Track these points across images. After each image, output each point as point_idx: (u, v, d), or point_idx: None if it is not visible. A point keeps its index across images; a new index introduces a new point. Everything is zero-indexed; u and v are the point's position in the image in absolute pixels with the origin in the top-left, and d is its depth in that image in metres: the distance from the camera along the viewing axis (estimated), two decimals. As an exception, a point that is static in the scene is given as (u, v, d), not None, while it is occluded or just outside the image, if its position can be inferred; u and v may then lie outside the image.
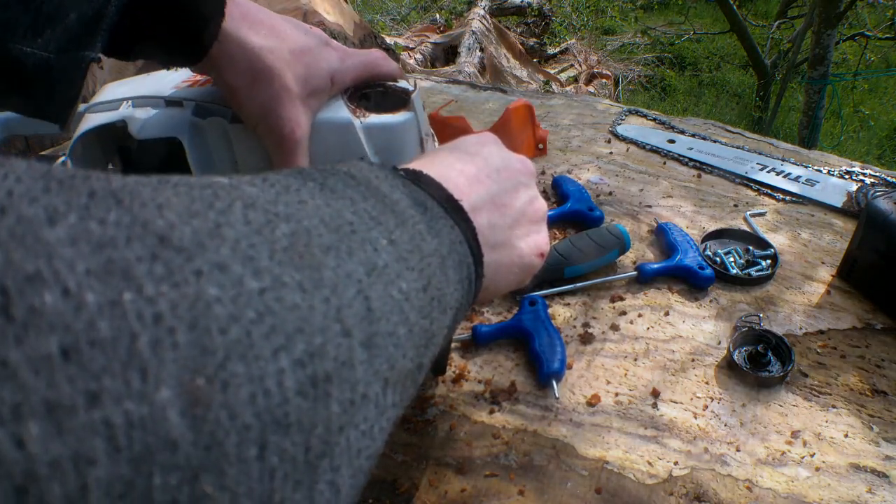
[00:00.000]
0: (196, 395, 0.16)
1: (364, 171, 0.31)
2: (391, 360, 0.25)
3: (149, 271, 0.17)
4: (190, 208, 0.19)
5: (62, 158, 0.53)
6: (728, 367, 0.57)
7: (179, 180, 0.21)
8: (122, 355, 0.15)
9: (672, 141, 0.92)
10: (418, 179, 0.34)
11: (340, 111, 0.49)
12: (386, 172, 0.32)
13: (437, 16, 3.90)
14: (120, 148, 0.61)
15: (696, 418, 0.53)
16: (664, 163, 0.88)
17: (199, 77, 0.53)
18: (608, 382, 0.56)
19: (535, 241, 0.41)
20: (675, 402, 0.54)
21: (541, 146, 0.89)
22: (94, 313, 0.15)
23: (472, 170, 0.38)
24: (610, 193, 0.81)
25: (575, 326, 0.62)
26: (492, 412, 0.53)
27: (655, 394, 0.55)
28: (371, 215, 0.27)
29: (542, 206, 0.42)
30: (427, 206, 0.32)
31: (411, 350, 0.27)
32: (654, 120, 0.99)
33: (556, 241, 0.70)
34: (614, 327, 0.61)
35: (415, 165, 0.36)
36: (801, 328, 0.62)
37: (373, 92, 0.52)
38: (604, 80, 3.58)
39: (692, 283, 0.66)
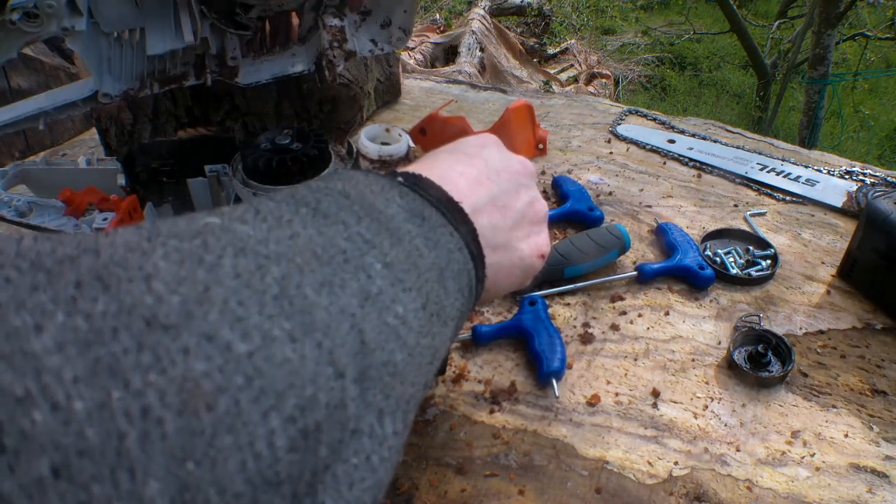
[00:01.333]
0: (185, 481, 0.17)
1: (360, 186, 0.30)
2: (386, 390, 0.25)
3: (136, 363, 0.17)
4: (178, 274, 0.20)
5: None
6: (728, 367, 0.58)
7: (170, 232, 0.21)
8: (111, 459, 0.16)
9: (672, 141, 0.92)
10: (418, 183, 0.34)
11: None
12: (382, 183, 0.32)
13: (437, 16, 3.90)
14: (125, 154, 0.61)
15: (696, 418, 0.53)
16: (664, 163, 0.88)
17: None
18: (608, 382, 0.56)
19: (535, 243, 0.41)
20: (675, 402, 0.54)
21: (541, 146, 0.89)
22: (83, 422, 0.15)
23: (473, 172, 0.38)
24: (610, 193, 0.81)
25: (575, 326, 0.62)
26: (492, 412, 0.53)
27: (655, 394, 0.55)
28: (365, 239, 0.27)
29: (542, 208, 0.42)
30: (425, 216, 0.31)
31: (412, 373, 0.26)
32: (654, 120, 0.99)
33: (556, 241, 0.70)
34: (614, 327, 0.61)
35: (415, 168, 0.36)
36: (801, 328, 0.62)
37: None
38: (604, 80, 3.58)
39: (692, 283, 0.66)
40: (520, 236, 0.39)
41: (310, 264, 0.24)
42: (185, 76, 0.60)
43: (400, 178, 0.33)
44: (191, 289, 0.19)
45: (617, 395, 0.55)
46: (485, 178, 0.38)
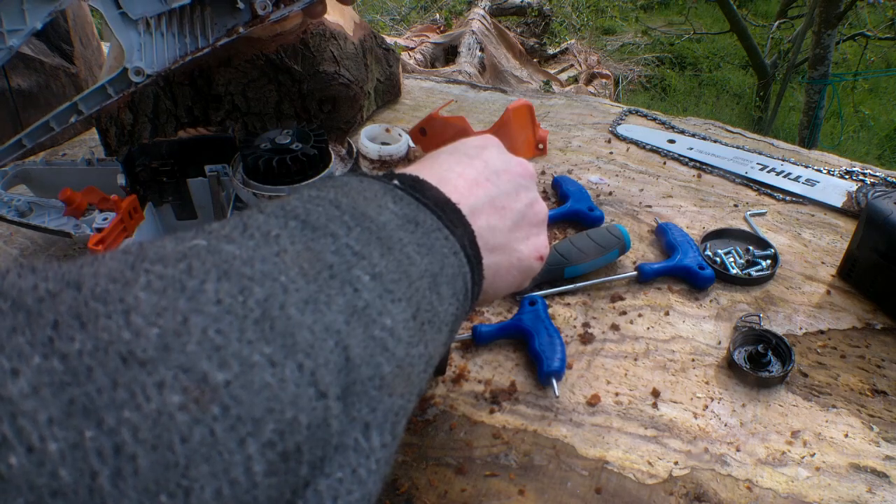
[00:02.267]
0: None
1: (352, 193, 0.30)
2: (373, 403, 0.25)
3: (110, 401, 0.17)
4: (158, 305, 0.20)
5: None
6: (728, 367, 0.58)
7: (156, 256, 0.21)
8: (83, 497, 0.16)
9: (672, 141, 0.92)
10: (415, 185, 0.33)
11: None
12: (376, 189, 0.32)
13: (437, 16, 3.90)
14: (125, 154, 0.61)
15: (696, 418, 0.53)
16: (664, 163, 0.88)
17: None
18: (608, 382, 0.56)
19: (534, 244, 0.41)
20: (675, 402, 0.54)
21: (541, 146, 0.89)
22: (57, 462, 0.16)
23: (472, 173, 0.38)
24: (610, 193, 0.81)
25: (575, 326, 0.62)
26: (492, 412, 0.53)
27: (655, 394, 0.55)
28: (354, 251, 0.27)
29: (542, 209, 0.42)
30: (418, 222, 0.31)
31: (401, 384, 0.26)
32: (655, 120, 0.99)
33: (556, 241, 0.70)
34: (614, 327, 0.61)
35: (413, 170, 0.36)
36: (801, 328, 0.62)
37: None
38: (604, 80, 3.58)
39: (692, 283, 0.66)
40: (519, 237, 0.39)
41: (296, 282, 0.24)
42: (217, 41, 0.59)
43: (396, 182, 0.33)
44: (170, 320, 0.19)
45: (617, 395, 0.55)
46: (484, 179, 0.38)
